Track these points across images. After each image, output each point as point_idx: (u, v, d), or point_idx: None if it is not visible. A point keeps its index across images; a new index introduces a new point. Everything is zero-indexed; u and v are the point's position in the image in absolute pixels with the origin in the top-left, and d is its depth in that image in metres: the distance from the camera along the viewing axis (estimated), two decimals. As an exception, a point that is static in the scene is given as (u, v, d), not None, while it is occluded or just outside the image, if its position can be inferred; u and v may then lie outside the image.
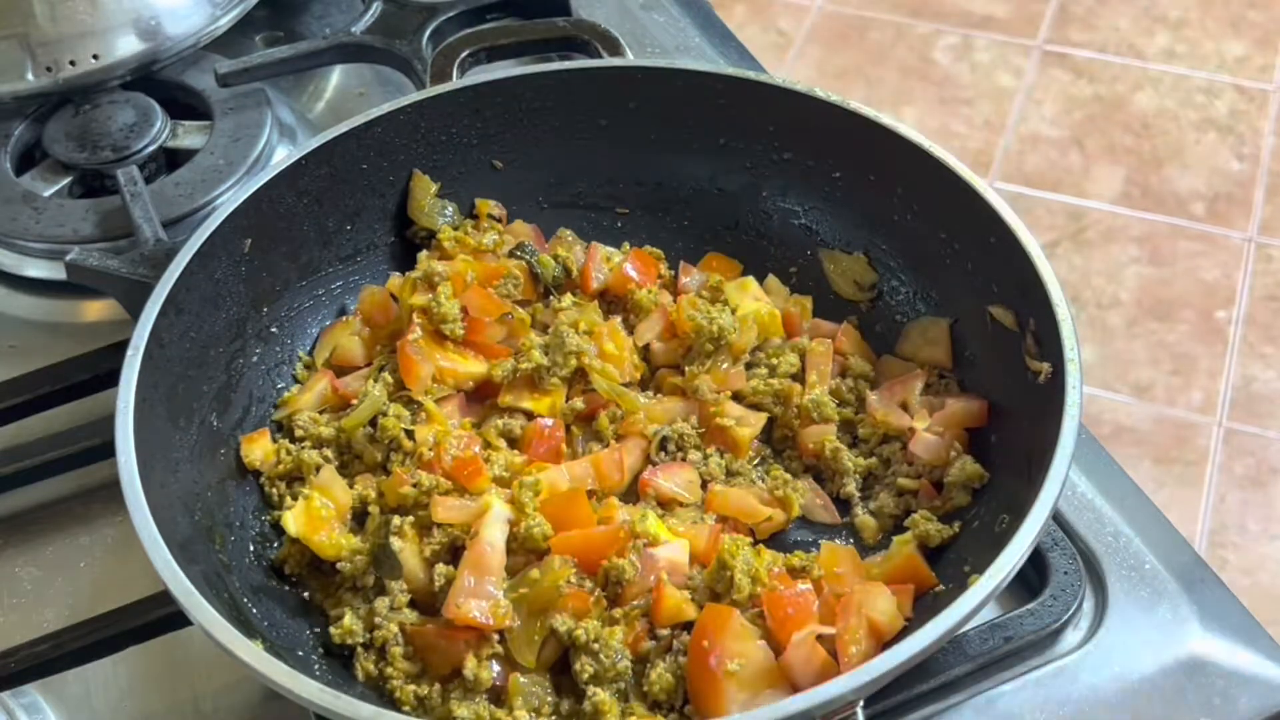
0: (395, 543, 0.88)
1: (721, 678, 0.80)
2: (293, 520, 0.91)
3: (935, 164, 0.98)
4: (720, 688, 0.80)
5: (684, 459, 0.96)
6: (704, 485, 0.95)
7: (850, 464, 0.96)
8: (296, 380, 1.02)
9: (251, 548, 0.92)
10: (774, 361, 1.01)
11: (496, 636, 0.85)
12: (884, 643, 0.83)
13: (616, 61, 1.16)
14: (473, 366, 0.99)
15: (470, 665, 0.83)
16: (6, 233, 1.14)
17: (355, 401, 0.98)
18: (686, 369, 1.00)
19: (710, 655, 0.81)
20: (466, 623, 0.84)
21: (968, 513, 0.91)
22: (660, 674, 0.83)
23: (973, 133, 2.92)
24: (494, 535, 0.87)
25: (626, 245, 1.09)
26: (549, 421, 0.96)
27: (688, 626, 0.85)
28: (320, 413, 0.99)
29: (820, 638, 0.82)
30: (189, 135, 1.23)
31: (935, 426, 0.95)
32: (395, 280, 1.05)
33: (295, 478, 0.96)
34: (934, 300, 1.02)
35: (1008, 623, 0.88)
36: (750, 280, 1.06)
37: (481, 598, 0.85)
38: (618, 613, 0.85)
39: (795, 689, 0.80)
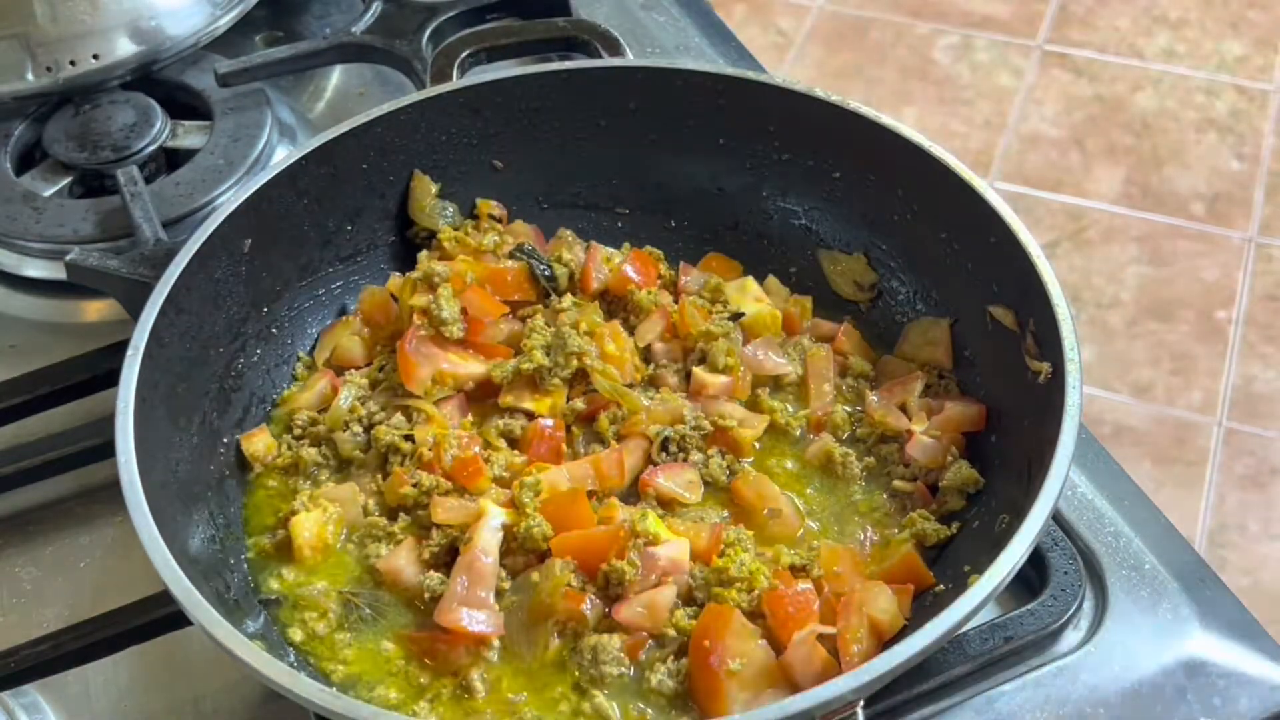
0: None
1: (723, 677, 0.81)
2: (304, 527, 0.91)
3: (935, 164, 0.98)
4: (722, 687, 0.81)
5: (685, 460, 0.96)
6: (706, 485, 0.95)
7: (859, 471, 0.95)
8: (296, 380, 1.02)
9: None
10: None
11: (496, 641, 0.85)
12: (884, 642, 0.83)
13: (616, 61, 1.16)
14: (472, 367, 0.99)
15: (469, 673, 0.84)
16: (6, 233, 1.14)
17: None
18: (693, 370, 1.00)
19: (711, 655, 0.81)
20: (458, 630, 0.84)
21: (965, 514, 0.91)
22: (661, 675, 0.83)
23: (973, 133, 2.92)
24: (487, 541, 0.87)
25: (626, 245, 1.09)
26: (549, 422, 0.96)
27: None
28: (320, 412, 0.99)
29: (821, 637, 0.82)
30: (189, 135, 1.23)
31: (933, 429, 0.95)
32: (395, 280, 1.05)
33: (293, 472, 0.97)
34: (934, 300, 1.02)
35: (1008, 623, 0.88)
36: (750, 281, 1.06)
37: (474, 605, 0.85)
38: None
39: (796, 688, 0.80)
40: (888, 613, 0.83)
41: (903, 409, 0.97)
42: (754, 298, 1.04)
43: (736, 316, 1.02)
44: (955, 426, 0.95)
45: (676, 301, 1.04)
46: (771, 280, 1.07)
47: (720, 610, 0.84)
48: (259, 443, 0.97)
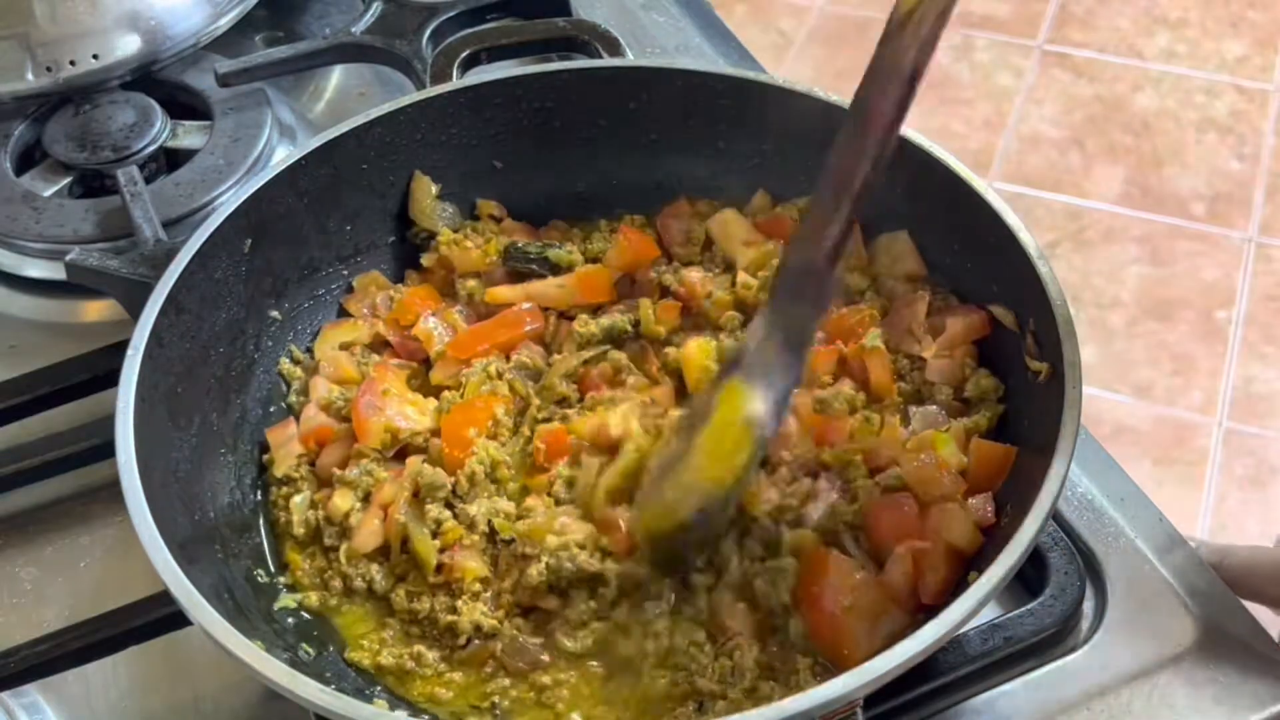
0: None
1: (841, 616, 0.82)
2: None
3: (935, 164, 0.98)
4: (844, 626, 0.82)
5: None
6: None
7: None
8: (285, 379, 1.02)
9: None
10: None
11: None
12: (966, 564, 0.85)
13: (616, 61, 1.16)
14: (423, 421, 0.97)
15: (540, 677, 0.85)
16: (6, 233, 1.14)
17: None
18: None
19: (824, 599, 0.83)
20: None
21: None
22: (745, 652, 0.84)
23: (973, 133, 2.92)
24: None
25: (603, 222, 1.10)
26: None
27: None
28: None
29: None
30: (189, 135, 1.23)
31: (942, 350, 0.96)
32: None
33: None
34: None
35: (1008, 623, 0.88)
36: (730, 215, 1.06)
37: None
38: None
39: (902, 606, 0.83)
40: (965, 536, 0.84)
41: (910, 334, 0.98)
42: (743, 239, 1.05)
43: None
44: (964, 339, 0.96)
45: (671, 262, 1.06)
46: (760, 198, 1.07)
47: (814, 554, 0.85)
48: (283, 447, 0.96)
